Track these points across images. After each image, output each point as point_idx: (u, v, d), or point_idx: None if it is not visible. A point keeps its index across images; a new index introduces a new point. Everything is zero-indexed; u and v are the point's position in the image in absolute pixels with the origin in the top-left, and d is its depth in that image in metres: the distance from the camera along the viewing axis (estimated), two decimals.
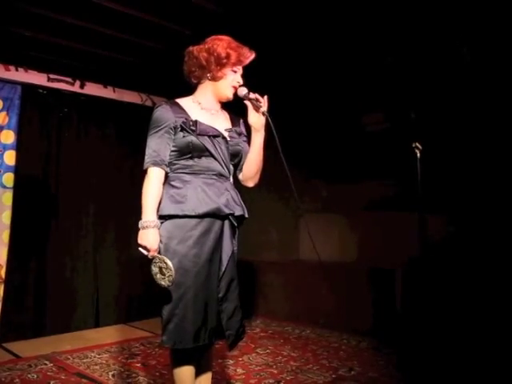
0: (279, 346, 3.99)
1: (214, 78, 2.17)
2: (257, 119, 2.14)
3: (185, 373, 2.14)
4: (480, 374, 3.01)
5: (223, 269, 2.15)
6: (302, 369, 3.38)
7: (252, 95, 2.13)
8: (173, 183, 2.12)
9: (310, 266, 4.41)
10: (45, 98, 4.42)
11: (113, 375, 3.26)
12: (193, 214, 2.05)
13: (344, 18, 3.32)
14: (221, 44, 2.14)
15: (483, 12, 3.11)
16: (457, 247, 3.60)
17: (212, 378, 2.35)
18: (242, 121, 2.33)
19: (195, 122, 2.11)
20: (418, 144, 2.72)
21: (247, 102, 2.15)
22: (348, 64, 3.82)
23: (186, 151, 2.10)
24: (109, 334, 4.37)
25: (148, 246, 2.04)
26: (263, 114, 2.12)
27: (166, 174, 2.15)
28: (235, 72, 2.17)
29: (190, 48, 2.23)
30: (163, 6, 3.43)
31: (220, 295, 2.14)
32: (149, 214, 2.08)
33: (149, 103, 5.10)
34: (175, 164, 2.14)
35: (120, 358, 3.66)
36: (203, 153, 2.11)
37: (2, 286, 4.07)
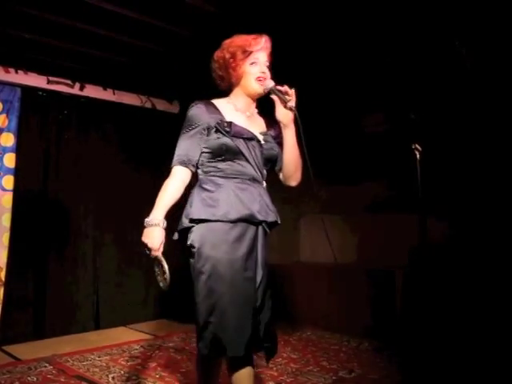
0: (279, 347, 3.95)
1: (237, 81, 2.12)
2: (284, 114, 2.06)
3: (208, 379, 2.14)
4: (481, 375, 3.00)
5: (259, 277, 2.06)
6: (302, 371, 3.37)
7: (279, 88, 2.05)
8: (205, 186, 2.05)
9: (310, 268, 4.41)
10: (44, 100, 4.41)
11: (112, 378, 3.25)
12: (225, 219, 1.97)
13: (344, 18, 3.32)
14: (225, 47, 2.11)
15: (483, 14, 3.10)
16: (457, 248, 3.60)
17: None
18: (277, 125, 2.21)
19: (230, 124, 2.03)
20: (417, 145, 2.72)
21: (274, 97, 2.06)
22: (348, 65, 3.82)
23: (219, 153, 2.04)
24: (109, 337, 4.37)
25: (149, 245, 1.98)
26: (291, 109, 2.04)
27: (196, 175, 2.09)
28: (254, 64, 2.08)
29: (210, 62, 2.19)
30: (162, 7, 3.43)
31: (257, 304, 2.05)
32: (158, 211, 2.02)
33: (148, 105, 5.10)
34: (207, 166, 2.07)
35: (120, 360, 3.65)
36: (237, 156, 2.04)
37: (2, 289, 4.06)
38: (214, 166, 2.06)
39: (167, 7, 3.43)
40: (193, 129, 2.06)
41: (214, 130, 2.04)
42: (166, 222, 2.01)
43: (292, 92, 2.04)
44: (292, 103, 2.03)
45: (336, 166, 4.27)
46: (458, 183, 3.62)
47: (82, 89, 4.60)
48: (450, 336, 3.37)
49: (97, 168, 4.71)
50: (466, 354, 3.22)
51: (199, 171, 2.10)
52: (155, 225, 1.99)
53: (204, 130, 2.05)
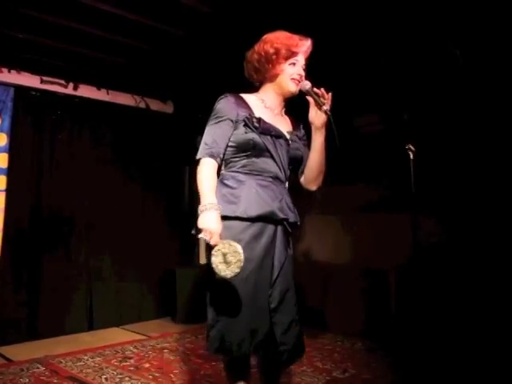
0: None
1: (272, 78, 2.10)
2: (318, 117, 2.03)
3: (236, 377, 2.10)
4: (475, 374, 3.01)
5: (275, 277, 2.03)
6: (296, 371, 3.36)
7: (316, 90, 2.03)
8: (226, 182, 2.03)
9: (304, 267, 4.40)
10: (38, 100, 4.39)
11: (106, 379, 3.24)
12: (244, 216, 1.95)
13: (338, 19, 3.33)
14: (269, 41, 2.08)
15: (476, 15, 3.11)
16: (450, 248, 3.61)
17: None
18: (302, 125, 2.23)
19: (259, 120, 2.02)
20: (411, 146, 2.73)
21: (309, 98, 2.04)
22: (343, 65, 3.83)
23: (245, 149, 2.01)
24: (102, 337, 4.35)
25: (211, 229, 1.84)
26: (325, 112, 2.01)
27: (219, 168, 2.05)
28: (293, 64, 2.07)
29: (246, 53, 2.15)
30: (157, 7, 3.43)
31: (272, 306, 2.01)
32: (208, 196, 1.91)
33: (143, 105, 5.09)
34: (230, 162, 2.05)
35: (113, 361, 3.64)
36: (262, 152, 2.02)
37: None
38: (237, 162, 2.04)
39: (162, 7, 3.42)
40: (222, 120, 2.03)
41: (243, 123, 2.02)
42: (219, 205, 1.92)
43: (329, 96, 2.03)
44: (327, 106, 2.01)
45: (330, 166, 4.28)
46: (451, 183, 3.63)
47: (75, 89, 4.59)
48: (444, 336, 3.38)
49: (90, 168, 4.69)
50: (460, 354, 3.23)
51: (222, 166, 2.07)
52: (211, 209, 1.88)
53: (232, 122, 2.03)
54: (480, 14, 3.08)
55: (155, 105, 5.22)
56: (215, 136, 2.02)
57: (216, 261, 1.82)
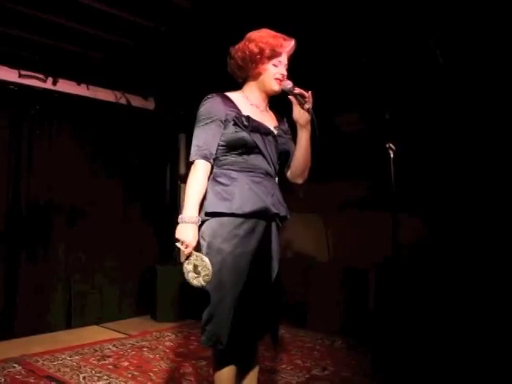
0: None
1: (255, 76, 2.13)
2: (301, 115, 2.08)
3: (225, 374, 2.10)
4: (453, 371, 3.05)
5: (269, 271, 2.11)
6: (276, 369, 3.37)
7: (297, 90, 2.06)
8: (219, 179, 2.05)
9: (284, 266, 4.40)
10: (16, 94, 4.30)
11: (83, 378, 3.20)
12: (240, 212, 1.99)
13: (318, 17, 3.32)
14: (254, 39, 2.09)
15: (456, 15, 3.14)
16: (430, 247, 3.64)
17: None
18: (285, 119, 2.27)
19: (248, 118, 2.05)
20: (391, 144, 2.74)
21: (292, 98, 2.08)
22: (324, 64, 3.83)
23: (236, 147, 2.04)
24: (81, 336, 4.29)
25: (187, 242, 1.94)
26: (308, 111, 2.05)
27: (211, 168, 2.08)
28: (276, 65, 2.10)
29: (230, 49, 2.17)
30: (138, 2, 3.39)
31: (265, 298, 2.10)
32: (190, 208, 1.98)
33: (123, 101, 5.04)
34: (222, 160, 2.07)
35: (91, 359, 3.60)
36: (253, 150, 2.05)
37: None
38: (228, 159, 2.07)
39: (143, 2, 3.38)
40: (211, 121, 2.05)
41: (232, 123, 2.04)
42: (199, 219, 2.00)
43: (309, 94, 2.05)
44: (309, 105, 2.05)
45: (311, 164, 4.28)
46: (432, 182, 3.66)
47: (54, 83, 4.52)
48: (423, 334, 3.41)
49: (70, 164, 4.62)
50: (438, 352, 3.27)
51: (214, 164, 2.09)
52: (190, 222, 1.96)
53: (222, 122, 2.05)
54: (460, 13, 3.11)
55: (136, 101, 5.17)
56: (206, 137, 2.04)
57: (188, 268, 1.95)
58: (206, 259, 1.92)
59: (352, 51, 3.64)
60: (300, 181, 2.27)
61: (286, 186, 2.30)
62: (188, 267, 1.95)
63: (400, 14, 3.20)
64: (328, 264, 4.36)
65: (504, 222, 3.28)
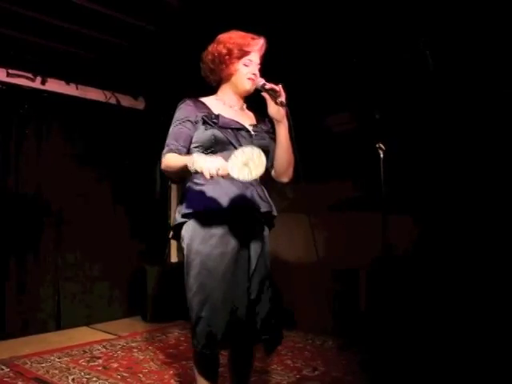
0: None
1: (227, 77, 2.13)
2: (276, 110, 2.06)
3: (205, 376, 2.12)
4: (443, 371, 3.06)
5: (253, 268, 2.07)
6: (266, 369, 3.36)
7: (268, 85, 2.05)
8: (195, 180, 2.04)
9: (274, 266, 4.40)
10: (4, 93, 4.26)
11: (73, 379, 3.17)
12: (217, 210, 1.98)
13: (310, 17, 3.33)
14: (222, 41, 2.10)
15: (446, 16, 3.16)
16: (421, 246, 3.65)
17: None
18: (267, 120, 2.24)
19: (217, 115, 2.05)
20: (381, 145, 2.75)
21: (265, 94, 2.07)
22: (315, 64, 3.83)
23: (209, 145, 2.03)
24: (70, 337, 4.26)
25: (211, 164, 1.74)
26: (281, 104, 2.04)
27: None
28: (247, 65, 2.10)
29: (202, 54, 2.18)
30: (127, 1, 3.37)
31: (252, 297, 2.06)
32: (187, 157, 1.86)
33: (113, 101, 5.01)
34: None
35: (81, 361, 3.57)
36: (226, 146, 2.03)
37: None
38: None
39: (133, 1, 3.37)
40: (182, 122, 2.06)
41: (202, 122, 2.04)
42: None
43: (279, 88, 2.04)
44: (282, 99, 2.04)
45: (302, 164, 4.28)
46: (422, 182, 3.68)
47: (43, 83, 4.48)
48: (413, 334, 3.42)
49: (59, 164, 4.58)
50: (429, 351, 3.28)
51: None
52: (193, 157, 1.81)
53: (192, 122, 2.06)
54: (450, 15, 3.13)
55: (126, 101, 5.14)
56: (175, 135, 2.06)
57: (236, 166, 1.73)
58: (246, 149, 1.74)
59: (343, 52, 3.64)
60: (285, 179, 2.24)
61: (275, 186, 2.29)
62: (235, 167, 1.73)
63: (391, 15, 3.21)
64: (318, 264, 4.36)
65: (494, 223, 3.30)
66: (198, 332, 2.00)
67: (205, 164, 1.75)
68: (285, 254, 4.53)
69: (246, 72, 2.10)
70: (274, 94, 2.04)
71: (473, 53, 3.26)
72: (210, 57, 2.12)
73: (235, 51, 2.07)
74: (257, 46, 2.12)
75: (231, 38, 2.10)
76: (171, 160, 1.99)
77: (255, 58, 2.13)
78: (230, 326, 1.99)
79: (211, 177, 1.73)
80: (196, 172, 1.79)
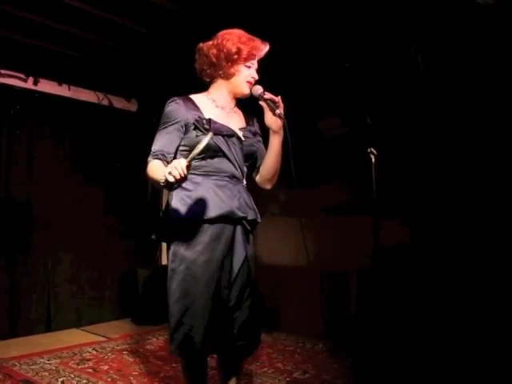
0: None
1: (227, 76, 2.08)
2: (273, 121, 2.05)
3: (194, 379, 2.12)
4: (433, 374, 3.07)
5: (234, 275, 2.05)
6: (257, 372, 3.37)
7: (267, 95, 2.04)
8: (183, 185, 1.99)
9: (265, 269, 4.41)
10: None
11: (62, 382, 3.16)
12: (204, 217, 1.95)
13: (302, 22, 3.34)
14: (231, 39, 2.05)
15: (437, 21, 3.19)
16: (412, 250, 3.67)
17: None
18: (255, 119, 2.23)
19: (209, 121, 2.01)
20: (372, 149, 2.76)
21: (262, 103, 2.06)
22: (307, 69, 3.85)
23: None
24: (60, 339, 4.23)
25: (176, 165, 1.72)
26: (279, 116, 2.03)
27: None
28: (249, 67, 2.08)
29: (200, 45, 2.12)
30: (121, 3, 3.37)
31: (231, 304, 2.04)
32: (159, 174, 1.83)
33: (105, 102, 5.00)
34: None
35: (71, 363, 3.56)
36: (216, 153, 2.01)
37: None
38: (191, 164, 1.98)
39: (126, 3, 3.36)
40: (170, 125, 2.03)
41: (193, 127, 2.01)
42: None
43: (279, 99, 2.04)
44: (280, 110, 2.03)
45: (294, 169, 4.29)
46: (413, 186, 3.70)
47: (35, 83, 4.46)
48: (404, 337, 3.44)
49: (50, 166, 4.57)
50: (419, 354, 3.29)
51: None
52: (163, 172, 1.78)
53: (182, 126, 2.02)
54: (441, 20, 3.15)
55: (119, 102, 5.13)
56: (163, 142, 2.03)
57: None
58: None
59: (335, 56, 3.66)
60: (269, 186, 2.25)
61: (266, 190, 2.29)
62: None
63: (382, 20, 3.23)
64: (309, 267, 4.37)
65: (486, 226, 3.33)
66: (176, 338, 1.99)
67: (164, 170, 1.75)
68: (276, 257, 4.54)
69: (247, 74, 2.08)
70: (272, 105, 2.03)
71: (464, 59, 3.29)
72: (215, 51, 2.06)
73: (244, 52, 2.04)
74: (263, 52, 2.11)
75: (241, 38, 2.06)
76: (152, 170, 1.98)
77: (255, 62, 2.12)
78: (212, 332, 1.98)
79: (180, 178, 1.71)
80: (166, 182, 1.76)
